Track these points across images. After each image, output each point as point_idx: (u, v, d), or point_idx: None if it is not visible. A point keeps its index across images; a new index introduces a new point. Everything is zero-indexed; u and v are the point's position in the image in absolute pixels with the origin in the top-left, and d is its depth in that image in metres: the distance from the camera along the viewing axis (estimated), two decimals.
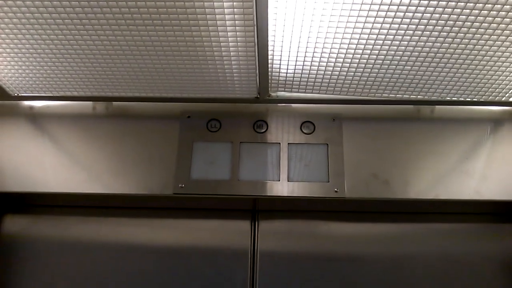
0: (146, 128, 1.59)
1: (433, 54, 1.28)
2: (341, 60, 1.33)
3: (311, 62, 1.35)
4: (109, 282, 1.58)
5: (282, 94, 1.53)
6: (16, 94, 1.57)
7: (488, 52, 1.27)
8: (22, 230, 1.67)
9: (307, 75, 1.41)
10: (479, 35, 1.20)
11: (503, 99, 1.50)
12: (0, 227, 1.67)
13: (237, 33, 1.21)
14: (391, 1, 1.09)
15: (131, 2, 1.11)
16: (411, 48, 1.26)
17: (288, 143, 1.55)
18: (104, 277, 1.58)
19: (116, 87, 1.50)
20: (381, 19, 1.15)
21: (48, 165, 1.56)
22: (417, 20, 1.15)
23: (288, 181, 1.51)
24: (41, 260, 1.61)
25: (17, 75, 1.45)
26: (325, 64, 1.35)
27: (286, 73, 1.41)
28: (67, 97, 1.58)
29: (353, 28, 1.19)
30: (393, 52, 1.28)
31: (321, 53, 1.30)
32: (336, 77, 1.41)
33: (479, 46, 1.24)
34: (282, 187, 1.50)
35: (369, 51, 1.28)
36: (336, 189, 1.49)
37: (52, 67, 1.40)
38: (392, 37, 1.21)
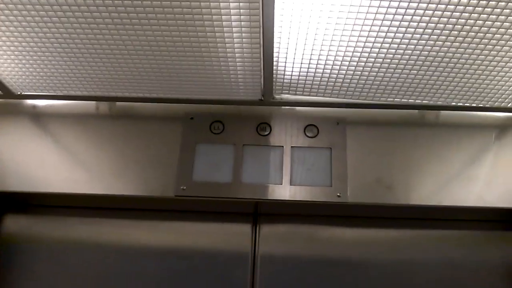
0: (149, 129, 1.58)
1: (439, 59, 1.27)
2: (346, 63, 1.32)
3: (316, 65, 1.34)
4: (109, 283, 1.56)
5: (286, 96, 1.52)
6: (19, 93, 1.56)
7: (495, 58, 1.26)
8: (22, 230, 1.66)
9: (312, 78, 1.40)
10: (486, 40, 1.19)
11: (508, 105, 1.49)
12: (1, 227, 1.66)
13: (243, 34, 1.21)
14: (398, 4, 1.09)
15: (136, 1, 1.11)
16: (417, 52, 1.25)
17: (292, 147, 1.54)
18: (104, 278, 1.57)
19: (119, 87, 1.49)
20: (388, 22, 1.15)
21: (50, 165, 1.55)
22: (424, 24, 1.14)
23: (290, 184, 1.50)
24: (41, 260, 1.60)
25: (20, 73, 1.45)
26: (330, 67, 1.35)
27: (291, 75, 1.40)
28: (71, 97, 1.58)
29: (359, 31, 1.19)
30: (398, 56, 1.27)
31: (327, 56, 1.30)
32: (341, 80, 1.40)
33: (486, 52, 1.24)
34: (284, 191, 1.49)
35: (374, 55, 1.27)
36: (339, 194, 1.48)
37: (55, 66, 1.39)
38: (398, 40, 1.21)
